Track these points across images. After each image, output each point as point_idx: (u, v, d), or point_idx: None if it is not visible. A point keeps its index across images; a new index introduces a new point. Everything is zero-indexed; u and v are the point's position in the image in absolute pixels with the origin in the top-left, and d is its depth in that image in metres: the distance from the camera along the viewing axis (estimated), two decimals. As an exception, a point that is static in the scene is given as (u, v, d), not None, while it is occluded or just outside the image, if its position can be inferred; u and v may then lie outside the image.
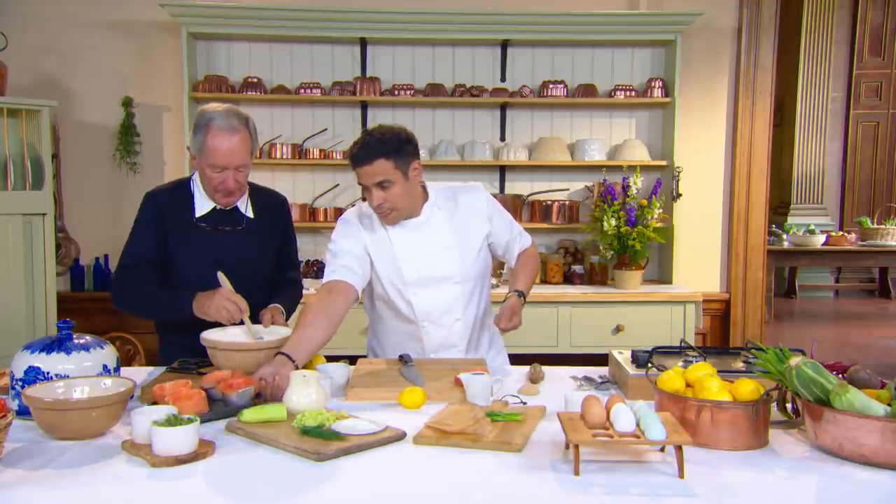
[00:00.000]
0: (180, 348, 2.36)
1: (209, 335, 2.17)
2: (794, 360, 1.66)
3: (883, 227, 6.83)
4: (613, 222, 4.25)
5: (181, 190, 2.43)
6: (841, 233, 7.06)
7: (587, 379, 2.24)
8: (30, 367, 1.82)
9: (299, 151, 4.46)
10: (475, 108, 4.64)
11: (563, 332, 4.18)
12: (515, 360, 2.59)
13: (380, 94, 4.43)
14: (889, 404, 1.56)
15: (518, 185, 4.67)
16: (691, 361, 2.00)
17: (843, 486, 1.47)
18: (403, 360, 2.28)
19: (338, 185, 4.59)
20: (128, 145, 4.50)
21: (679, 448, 1.49)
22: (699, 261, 4.72)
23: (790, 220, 8.00)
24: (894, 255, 6.87)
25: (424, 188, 2.39)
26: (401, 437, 1.70)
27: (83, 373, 1.84)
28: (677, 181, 4.45)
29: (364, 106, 4.55)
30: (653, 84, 4.50)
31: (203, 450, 1.60)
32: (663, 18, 4.39)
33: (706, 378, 1.73)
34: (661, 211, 4.33)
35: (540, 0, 4.48)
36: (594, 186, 4.51)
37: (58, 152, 4.43)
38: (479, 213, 2.43)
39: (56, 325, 2.17)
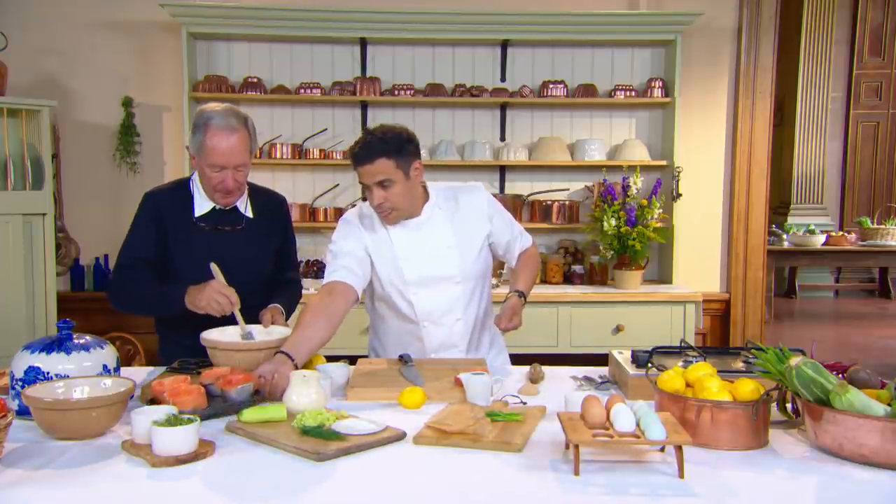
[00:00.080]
0: (180, 348, 2.36)
1: (209, 335, 2.17)
2: (794, 360, 1.66)
3: (883, 227, 6.83)
4: (613, 222, 4.25)
5: (181, 190, 2.43)
6: (841, 233, 7.06)
7: (587, 379, 2.24)
8: (30, 367, 1.82)
9: (299, 151, 4.46)
10: (475, 108, 4.64)
11: (563, 332, 4.18)
12: (515, 360, 2.59)
13: (380, 94, 4.43)
14: (889, 404, 1.56)
15: (518, 185, 4.67)
16: (691, 361, 2.00)
17: (843, 486, 1.47)
18: (403, 360, 2.28)
19: (338, 185, 4.59)
20: (128, 145, 4.50)
21: (679, 448, 1.49)
22: (699, 261, 4.72)
23: (790, 220, 8.00)
24: (894, 255, 6.87)
25: (425, 188, 2.40)
26: (401, 437, 1.70)
27: (83, 373, 1.84)
28: (677, 181, 4.45)
29: (364, 106, 4.55)
30: (653, 84, 4.50)
31: (203, 450, 1.60)
32: (663, 18, 4.39)
33: (706, 378, 1.73)
34: (661, 211, 4.33)
35: (540, 0, 4.48)
36: (594, 186, 4.51)
37: (58, 152, 4.43)
38: (479, 213, 2.43)
39: (56, 325, 2.17)
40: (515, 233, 2.51)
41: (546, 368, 2.30)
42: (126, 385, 1.80)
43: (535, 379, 2.21)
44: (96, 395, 1.77)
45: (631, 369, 2.08)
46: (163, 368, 2.30)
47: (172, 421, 1.60)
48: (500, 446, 1.64)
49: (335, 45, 4.55)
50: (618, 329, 4.18)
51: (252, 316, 2.32)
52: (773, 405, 1.77)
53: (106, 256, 4.54)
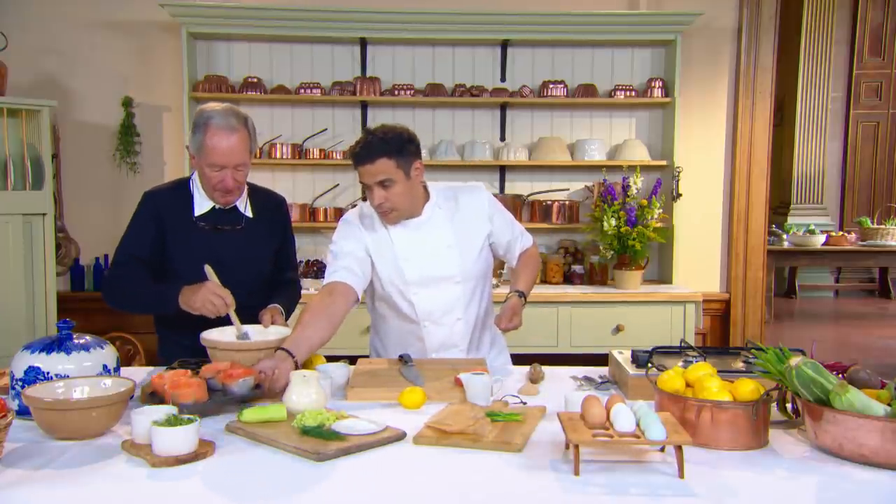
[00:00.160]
0: (180, 348, 2.36)
1: (209, 335, 2.17)
2: (794, 360, 1.66)
3: (883, 227, 6.83)
4: (613, 222, 4.25)
5: (180, 189, 2.44)
6: (841, 233, 7.06)
7: (587, 379, 2.24)
8: (30, 367, 1.82)
9: (299, 151, 4.46)
10: (475, 108, 4.64)
11: (563, 332, 4.18)
12: (515, 360, 2.59)
13: (380, 94, 4.43)
14: (889, 404, 1.56)
15: (518, 185, 4.67)
16: (691, 361, 2.00)
17: (843, 486, 1.47)
18: (403, 360, 2.28)
19: (338, 185, 4.59)
20: (128, 145, 4.50)
21: (679, 448, 1.49)
22: (699, 261, 4.72)
23: (790, 220, 8.00)
24: (894, 255, 6.87)
25: (425, 188, 2.40)
26: (401, 437, 1.70)
27: (83, 373, 1.84)
28: (677, 181, 4.45)
29: (364, 106, 4.55)
30: (653, 84, 4.50)
31: (203, 450, 1.60)
32: (663, 18, 4.39)
33: (706, 378, 1.73)
34: (661, 211, 4.33)
35: (540, 0, 4.48)
36: (594, 186, 4.51)
37: (58, 152, 4.43)
38: (480, 213, 2.43)
39: (56, 325, 2.17)
40: (516, 233, 2.51)
41: (546, 368, 2.30)
42: (126, 385, 1.80)
43: (535, 379, 2.21)
44: (96, 395, 1.77)
45: (631, 369, 2.08)
46: (162, 368, 2.30)
47: (172, 421, 1.60)
48: (500, 446, 1.64)
49: (335, 45, 4.55)
50: (618, 329, 4.18)
51: (252, 316, 2.33)
52: (773, 405, 1.77)
53: (106, 256, 4.54)
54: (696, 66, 4.64)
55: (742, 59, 4.63)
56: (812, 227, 7.04)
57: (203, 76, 4.40)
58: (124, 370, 2.14)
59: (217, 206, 2.40)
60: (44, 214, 3.95)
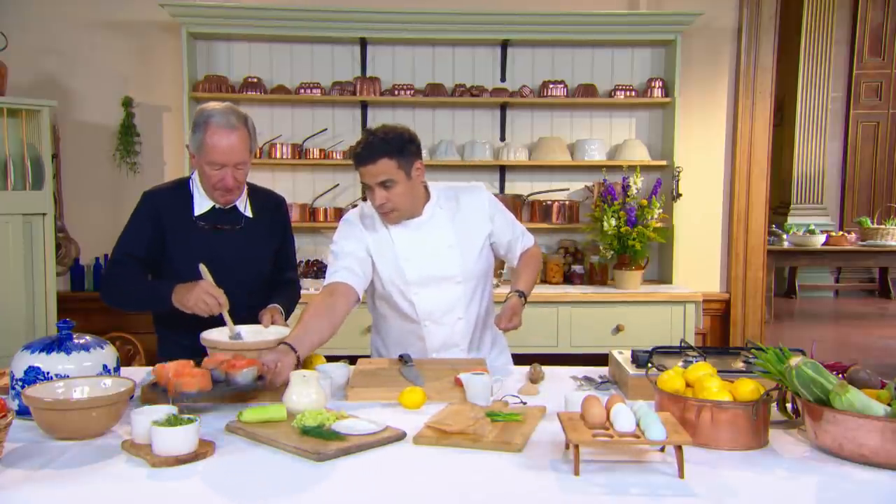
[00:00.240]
0: (180, 348, 2.36)
1: (209, 335, 2.17)
2: (794, 360, 1.66)
3: (883, 227, 6.83)
4: (613, 222, 4.25)
5: (180, 189, 2.44)
6: (841, 233, 7.06)
7: (587, 379, 2.24)
8: (30, 367, 1.82)
9: (299, 151, 4.45)
10: (475, 108, 4.64)
11: (563, 332, 4.18)
12: (515, 360, 2.59)
13: (380, 94, 4.43)
14: (889, 404, 1.56)
15: (518, 185, 4.67)
16: (691, 361, 2.00)
17: (843, 486, 1.47)
18: (403, 360, 2.28)
19: (338, 185, 4.59)
20: (128, 145, 4.50)
21: (679, 448, 1.49)
22: (699, 261, 4.72)
23: (790, 220, 8.00)
24: (894, 255, 6.87)
25: (426, 188, 2.40)
26: (401, 437, 1.70)
27: (83, 373, 1.84)
28: (677, 181, 4.45)
29: (364, 106, 4.55)
30: (653, 84, 4.50)
31: (203, 450, 1.60)
32: (663, 18, 4.39)
33: (706, 378, 1.73)
34: (661, 211, 4.33)
35: (540, 0, 4.48)
36: (594, 186, 4.51)
37: (58, 152, 4.43)
38: (480, 213, 2.43)
39: (56, 325, 2.17)
40: (517, 233, 2.51)
41: (546, 368, 2.30)
42: (126, 385, 1.80)
43: (535, 379, 2.21)
44: (96, 395, 1.77)
45: (631, 369, 2.08)
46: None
47: (172, 421, 1.60)
48: (500, 446, 1.64)
49: (335, 45, 4.55)
50: (618, 329, 4.18)
51: (252, 316, 2.33)
52: (773, 405, 1.77)
53: (106, 256, 4.53)
54: (696, 66, 4.64)
55: (742, 59, 4.63)
56: (812, 227, 7.04)
57: (203, 76, 4.40)
58: (124, 370, 2.14)
59: (217, 206, 2.40)
60: (44, 214, 3.95)
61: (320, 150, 4.45)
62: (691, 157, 4.61)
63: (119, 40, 4.52)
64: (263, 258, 2.50)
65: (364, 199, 2.35)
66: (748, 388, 1.68)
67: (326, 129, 4.55)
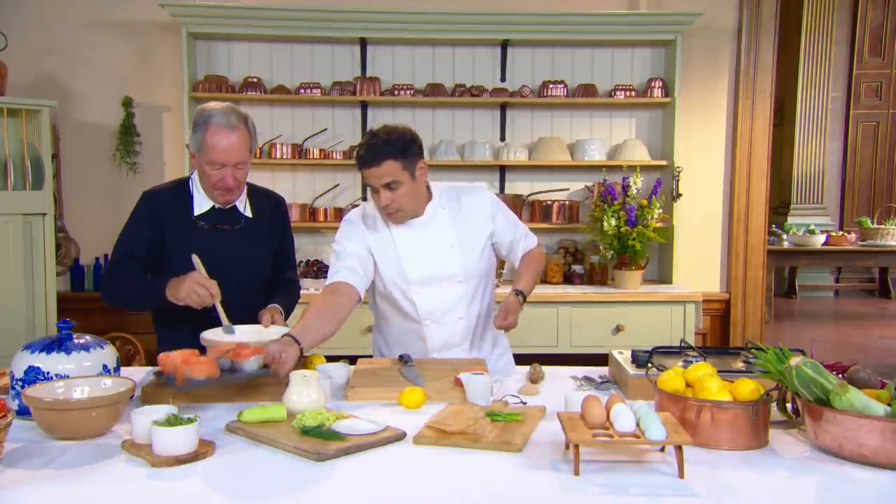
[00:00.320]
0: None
1: (209, 335, 2.17)
2: (794, 360, 1.66)
3: (883, 227, 6.83)
4: (613, 222, 4.25)
5: (180, 189, 2.44)
6: (841, 233, 7.06)
7: (587, 379, 2.24)
8: (30, 367, 1.82)
9: (299, 151, 4.45)
10: (475, 108, 4.64)
11: (563, 332, 4.18)
12: (516, 360, 2.58)
13: (380, 94, 4.43)
14: (889, 404, 1.56)
15: (518, 185, 4.67)
16: (691, 361, 2.00)
17: (843, 486, 1.47)
18: (403, 360, 2.28)
19: (338, 185, 4.59)
20: (128, 145, 4.50)
21: (679, 448, 1.49)
22: (699, 261, 4.72)
23: (790, 220, 8.00)
24: (894, 255, 6.87)
25: (428, 188, 2.40)
26: (401, 437, 1.70)
27: (83, 373, 1.84)
28: (677, 181, 4.45)
29: (364, 106, 4.55)
30: (653, 84, 4.50)
31: (203, 450, 1.60)
32: (663, 18, 4.39)
33: (706, 378, 1.73)
34: (661, 211, 4.33)
35: (540, 0, 4.48)
36: (594, 186, 4.51)
37: (58, 152, 4.43)
38: (482, 213, 2.43)
39: (56, 325, 2.17)
40: (519, 234, 2.51)
41: (546, 368, 2.30)
42: (126, 385, 1.80)
43: (535, 379, 2.21)
44: (96, 395, 1.77)
45: (631, 369, 2.08)
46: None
47: (172, 421, 1.60)
48: (500, 446, 1.64)
49: (335, 45, 4.55)
50: (618, 329, 4.18)
51: (251, 316, 2.33)
52: (773, 405, 1.77)
53: (106, 256, 4.53)
54: (696, 66, 4.64)
55: (742, 59, 4.63)
56: (812, 227, 7.04)
57: (203, 76, 4.40)
58: (124, 370, 2.14)
59: (216, 206, 2.40)
60: (44, 214, 3.95)
61: (320, 150, 4.45)
62: (691, 157, 4.61)
63: (119, 40, 4.52)
64: (263, 258, 2.50)
65: (365, 199, 2.35)
66: (748, 388, 1.68)
67: (326, 129, 4.55)
